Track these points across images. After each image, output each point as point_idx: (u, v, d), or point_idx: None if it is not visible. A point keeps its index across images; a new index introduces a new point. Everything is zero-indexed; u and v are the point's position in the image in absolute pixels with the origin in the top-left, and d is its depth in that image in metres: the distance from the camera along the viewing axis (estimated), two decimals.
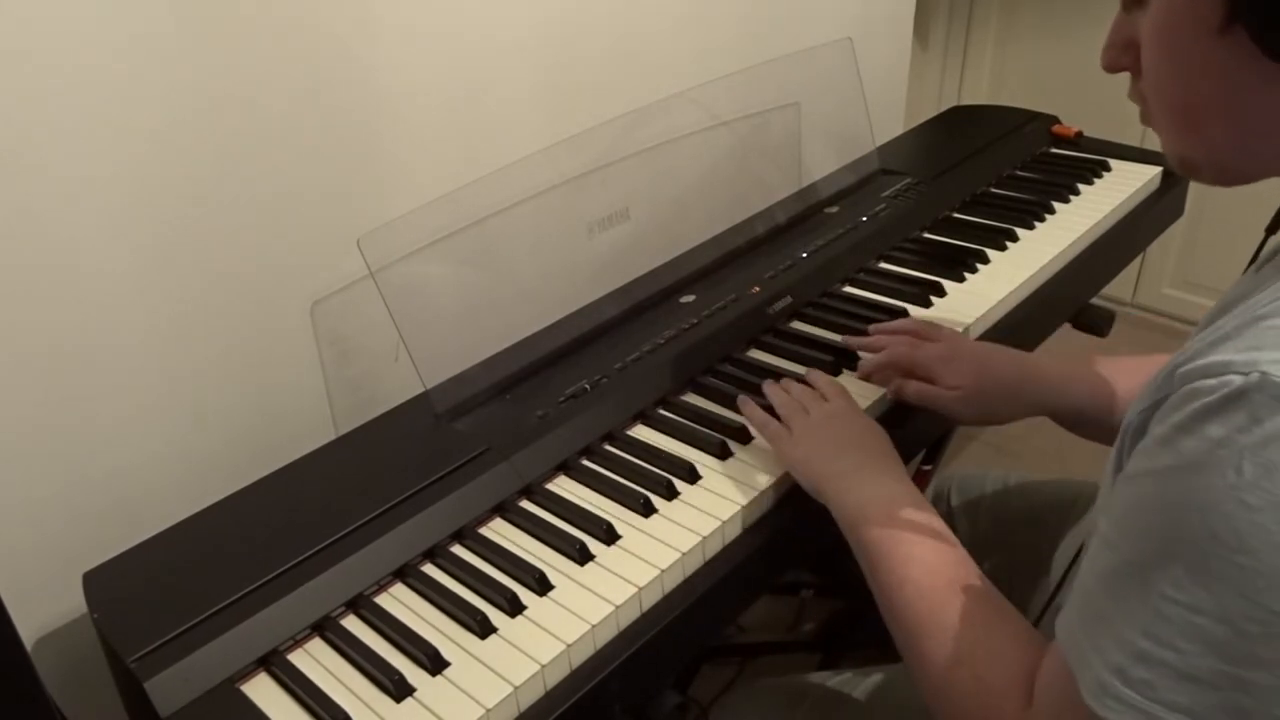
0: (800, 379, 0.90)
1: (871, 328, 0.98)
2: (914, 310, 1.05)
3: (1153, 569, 0.47)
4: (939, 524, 0.70)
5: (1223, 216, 1.95)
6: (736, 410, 0.90)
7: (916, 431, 0.93)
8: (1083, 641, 0.50)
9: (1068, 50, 2.09)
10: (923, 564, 0.67)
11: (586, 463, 0.87)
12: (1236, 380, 0.44)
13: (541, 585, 0.73)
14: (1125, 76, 0.57)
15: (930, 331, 0.93)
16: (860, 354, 0.96)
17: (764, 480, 0.82)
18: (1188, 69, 0.51)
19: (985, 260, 1.15)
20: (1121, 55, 0.55)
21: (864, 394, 0.92)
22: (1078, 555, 0.72)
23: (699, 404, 0.93)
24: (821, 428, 0.81)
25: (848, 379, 0.94)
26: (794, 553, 0.86)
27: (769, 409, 0.87)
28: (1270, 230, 0.60)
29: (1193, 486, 0.45)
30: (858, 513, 0.72)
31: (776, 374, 0.95)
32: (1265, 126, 0.50)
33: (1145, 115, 0.56)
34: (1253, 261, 0.59)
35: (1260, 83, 0.48)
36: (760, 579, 0.84)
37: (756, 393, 0.91)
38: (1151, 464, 0.48)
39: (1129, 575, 0.48)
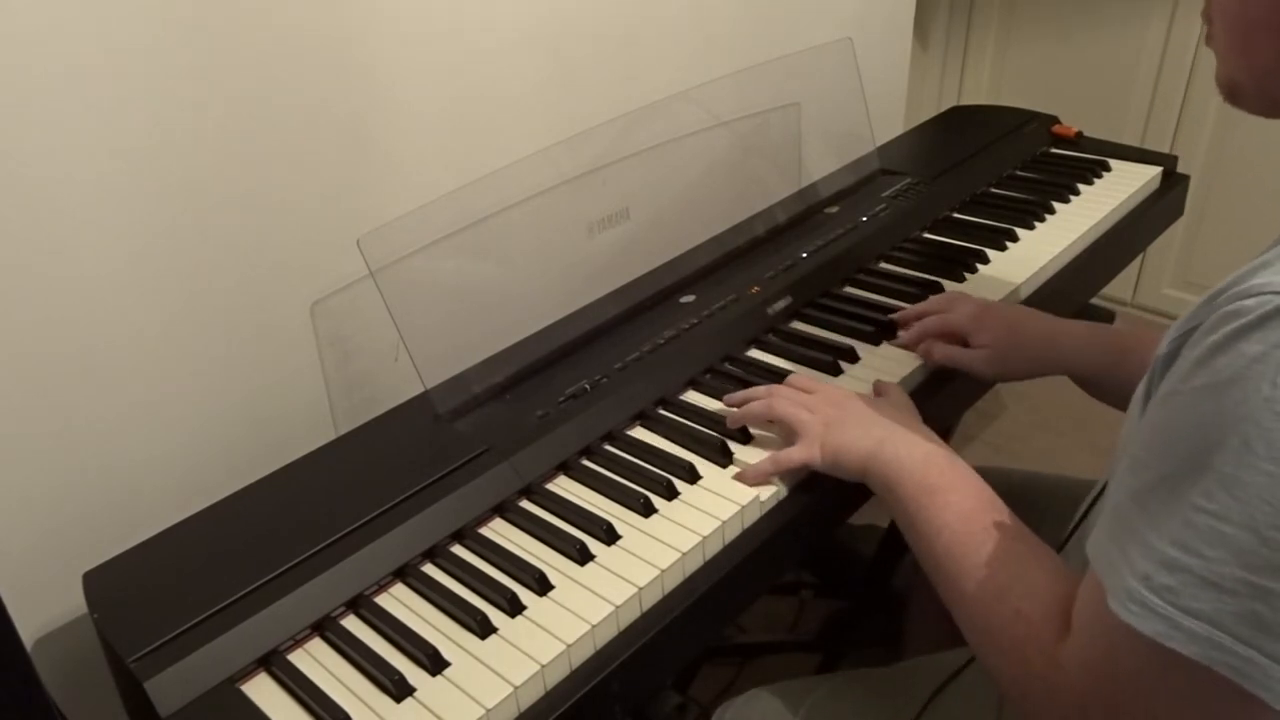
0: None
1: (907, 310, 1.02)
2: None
3: (1184, 480, 0.48)
4: (969, 471, 0.73)
5: (1223, 216, 1.95)
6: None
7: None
8: (1112, 552, 0.52)
9: (1068, 50, 2.09)
10: (958, 510, 0.70)
11: (586, 463, 0.86)
12: (1274, 299, 0.46)
13: (541, 585, 0.73)
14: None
15: (958, 302, 0.98)
16: (900, 330, 1.00)
17: None
18: None
19: (985, 260, 1.15)
20: None
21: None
22: (1075, 528, 0.73)
23: (699, 404, 0.93)
24: (838, 418, 0.81)
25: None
26: (794, 552, 0.86)
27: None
28: None
29: (1228, 399, 0.46)
30: (898, 473, 0.74)
31: (777, 374, 0.95)
32: None
33: (1208, 36, 0.58)
34: None
35: None
36: (760, 579, 0.84)
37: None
38: (1187, 383, 0.50)
39: (1160, 488, 0.50)
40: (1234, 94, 0.58)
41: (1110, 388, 0.90)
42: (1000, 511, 0.70)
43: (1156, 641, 0.48)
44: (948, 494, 0.71)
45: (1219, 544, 0.46)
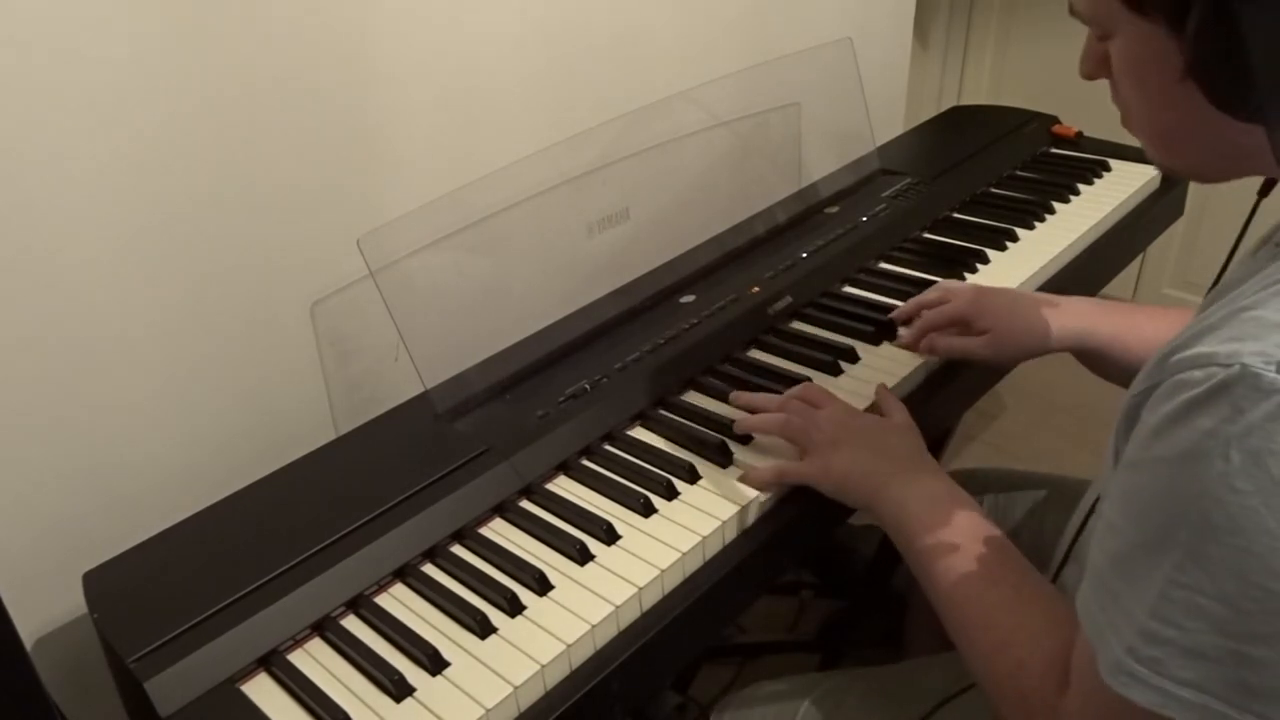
0: (775, 391, 0.91)
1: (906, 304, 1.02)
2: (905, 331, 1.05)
3: (1156, 553, 0.49)
4: (978, 512, 0.73)
5: (1223, 216, 1.95)
6: (737, 411, 0.90)
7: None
8: (1100, 620, 0.53)
9: (1068, 50, 2.07)
10: (966, 554, 0.70)
11: (586, 463, 0.86)
12: (1220, 373, 0.46)
13: (541, 585, 0.73)
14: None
15: (954, 291, 0.98)
16: (900, 327, 1.00)
17: None
18: (1156, 103, 0.55)
19: (985, 260, 1.15)
20: (1098, 68, 0.59)
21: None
22: (1076, 539, 0.73)
23: (699, 404, 0.93)
24: (846, 441, 0.80)
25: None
26: (794, 552, 0.86)
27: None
28: (1262, 194, 0.62)
29: (1186, 475, 0.47)
30: (904, 515, 0.74)
31: (777, 374, 0.95)
32: (1232, 151, 0.54)
33: (1126, 120, 0.59)
34: (1244, 230, 0.63)
35: (1221, 120, 0.51)
36: (760, 579, 0.84)
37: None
38: (1147, 453, 0.51)
39: (1135, 558, 0.51)
40: (1166, 172, 0.60)
41: (1115, 364, 0.89)
42: (1006, 554, 0.70)
43: (1151, 710, 0.49)
44: (954, 538, 0.71)
45: (1197, 615, 0.47)
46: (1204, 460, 0.46)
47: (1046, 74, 2.15)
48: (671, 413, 0.92)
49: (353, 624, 0.73)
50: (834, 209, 1.28)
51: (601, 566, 0.75)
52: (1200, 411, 0.47)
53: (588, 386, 0.92)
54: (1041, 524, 0.98)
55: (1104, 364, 0.91)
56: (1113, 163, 1.36)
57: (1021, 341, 0.91)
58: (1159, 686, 0.49)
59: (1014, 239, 1.19)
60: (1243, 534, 0.45)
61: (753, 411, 0.87)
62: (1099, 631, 0.53)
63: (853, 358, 0.97)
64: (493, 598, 0.72)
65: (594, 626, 0.69)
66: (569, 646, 0.68)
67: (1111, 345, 0.89)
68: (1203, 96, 0.50)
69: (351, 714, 0.65)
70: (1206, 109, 0.51)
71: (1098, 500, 0.71)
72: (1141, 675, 0.49)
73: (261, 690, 0.68)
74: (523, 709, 0.67)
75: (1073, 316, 0.91)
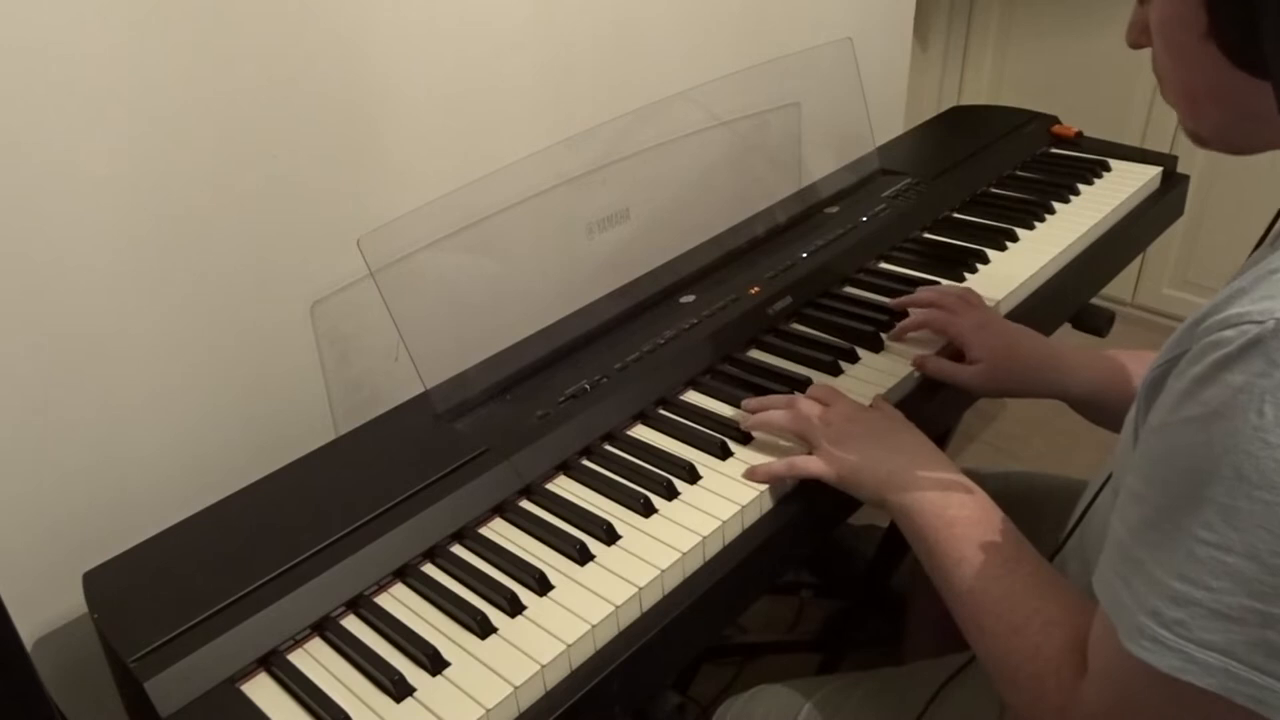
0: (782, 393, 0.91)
1: (915, 293, 1.02)
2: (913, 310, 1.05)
3: (1183, 514, 0.49)
4: (986, 501, 0.73)
5: (1223, 216, 1.95)
6: (737, 410, 0.90)
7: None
8: (1120, 591, 0.52)
9: (1068, 50, 2.09)
10: (976, 543, 0.69)
11: (586, 463, 0.86)
12: (1253, 329, 0.46)
13: (541, 585, 0.73)
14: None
15: (968, 300, 0.98)
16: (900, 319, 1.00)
17: None
18: (1183, 62, 0.56)
19: (985, 260, 1.15)
20: (1141, 35, 0.60)
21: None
22: (1074, 528, 0.73)
23: (699, 404, 0.93)
24: (856, 435, 0.81)
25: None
26: (794, 552, 0.86)
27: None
28: None
29: (1217, 431, 0.47)
30: (915, 505, 0.74)
31: (777, 374, 0.95)
32: (1257, 113, 0.54)
33: (1162, 88, 0.61)
34: (1263, 238, 0.62)
35: (1239, 79, 0.52)
36: (760, 579, 0.84)
37: (754, 394, 0.91)
38: (1176, 415, 0.50)
39: (1160, 523, 0.50)
40: (1198, 141, 0.60)
41: (1106, 412, 0.90)
42: (1018, 543, 0.70)
43: (1173, 676, 0.49)
44: (966, 526, 0.71)
45: (1223, 575, 0.47)
46: (1237, 414, 0.46)
47: (1046, 74, 2.15)
48: (671, 412, 0.92)
49: (353, 624, 0.73)
50: (834, 209, 1.28)
51: (601, 566, 0.75)
52: (1232, 368, 0.47)
53: (588, 386, 0.92)
54: (1039, 525, 0.98)
55: (1096, 414, 0.91)
56: (1113, 163, 1.36)
57: (1009, 383, 0.92)
58: (1182, 650, 0.48)
59: (1014, 239, 1.19)
60: (1274, 489, 0.45)
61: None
62: (1118, 602, 0.52)
63: (853, 358, 0.97)
64: (493, 598, 0.72)
65: (594, 626, 0.70)
66: (569, 646, 0.68)
67: (1100, 396, 0.89)
68: (1223, 55, 0.52)
69: (351, 714, 0.65)
70: (1227, 68, 0.52)
71: (1097, 495, 0.71)
72: (1165, 639, 0.49)
73: (261, 690, 0.68)
74: (523, 709, 0.67)
75: (1066, 368, 0.90)
